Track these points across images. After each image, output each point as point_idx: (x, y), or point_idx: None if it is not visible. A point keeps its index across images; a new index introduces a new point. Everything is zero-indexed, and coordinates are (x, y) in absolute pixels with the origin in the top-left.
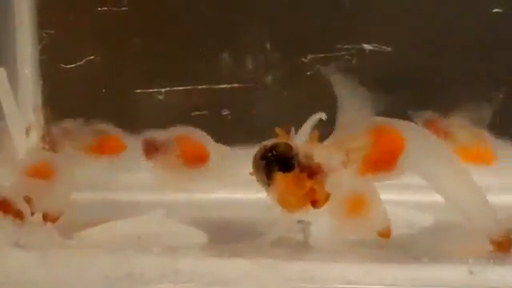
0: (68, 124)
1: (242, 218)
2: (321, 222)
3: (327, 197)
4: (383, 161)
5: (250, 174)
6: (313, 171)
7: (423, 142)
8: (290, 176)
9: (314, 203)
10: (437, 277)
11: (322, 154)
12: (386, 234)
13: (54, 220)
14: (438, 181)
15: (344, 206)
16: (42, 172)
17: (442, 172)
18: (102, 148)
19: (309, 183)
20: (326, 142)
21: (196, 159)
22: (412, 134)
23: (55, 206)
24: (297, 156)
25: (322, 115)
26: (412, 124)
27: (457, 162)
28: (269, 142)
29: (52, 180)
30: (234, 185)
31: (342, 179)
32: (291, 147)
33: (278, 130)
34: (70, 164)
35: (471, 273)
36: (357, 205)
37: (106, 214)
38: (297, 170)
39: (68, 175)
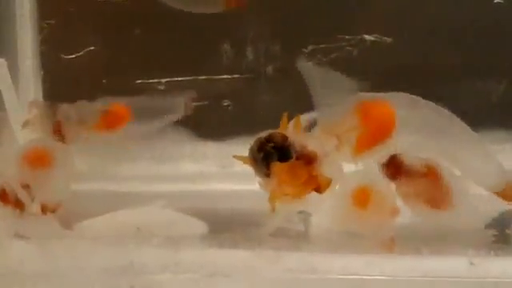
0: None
1: (243, 209)
2: (321, 212)
3: (329, 182)
4: (377, 134)
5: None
6: (309, 159)
7: (413, 106)
8: (287, 165)
9: (318, 189)
10: (437, 268)
11: (314, 142)
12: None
13: (52, 210)
14: (440, 141)
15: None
16: (40, 160)
17: (443, 132)
18: (108, 123)
19: (307, 171)
20: (314, 132)
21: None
22: (399, 102)
23: (54, 195)
24: (293, 145)
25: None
26: (396, 93)
27: (456, 120)
28: (263, 134)
29: (50, 168)
30: (234, 175)
31: (338, 163)
32: (286, 137)
33: (284, 116)
34: (69, 152)
35: (472, 264)
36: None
37: (107, 205)
38: (293, 159)
39: (67, 163)
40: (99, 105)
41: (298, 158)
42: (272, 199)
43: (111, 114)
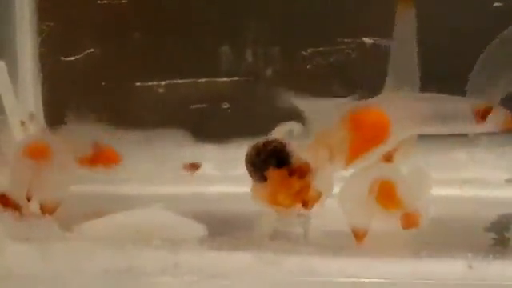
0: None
1: (242, 211)
2: (320, 215)
3: (318, 196)
4: (370, 142)
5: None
6: (303, 170)
7: (403, 105)
8: (284, 173)
9: (305, 204)
10: (436, 271)
11: (307, 154)
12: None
13: (51, 211)
14: None
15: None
16: (38, 154)
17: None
18: (97, 159)
19: (299, 183)
20: (307, 144)
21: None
22: (388, 104)
23: (53, 191)
24: (291, 152)
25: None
26: (382, 95)
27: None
28: (262, 140)
29: (49, 162)
30: (233, 178)
31: (329, 176)
32: (285, 144)
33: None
34: (67, 149)
35: (470, 267)
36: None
37: (106, 207)
38: (288, 168)
39: (65, 158)
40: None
41: (294, 168)
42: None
43: (103, 153)
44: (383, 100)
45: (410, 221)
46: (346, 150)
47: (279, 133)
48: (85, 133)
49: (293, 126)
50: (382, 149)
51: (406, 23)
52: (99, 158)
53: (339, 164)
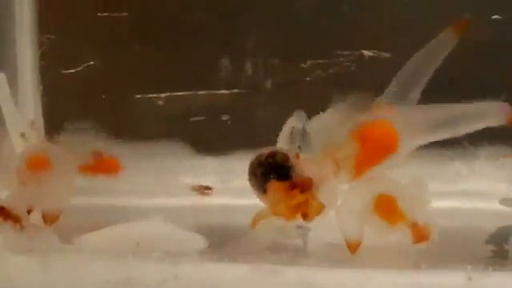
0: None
1: (242, 224)
2: (320, 227)
3: (320, 209)
4: (377, 156)
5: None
6: (305, 184)
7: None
8: (283, 185)
9: (305, 216)
10: (436, 283)
11: (312, 168)
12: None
13: (53, 221)
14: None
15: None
16: (39, 164)
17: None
18: (97, 168)
19: (300, 195)
20: (312, 157)
21: None
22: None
23: (54, 201)
24: (293, 166)
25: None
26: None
27: None
28: (265, 150)
29: (50, 171)
30: (233, 190)
31: (334, 190)
32: (288, 157)
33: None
34: (67, 159)
35: (470, 279)
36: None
37: (106, 219)
38: (291, 181)
39: (66, 170)
40: (92, 147)
41: (295, 181)
42: (257, 217)
43: (103, 162)
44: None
45: (420, 235)
46: (354, 163)
47: (285, 135)
48: (85, 142)
49: (296, 122)
50: (391, 161)
51: (444, 47)
52: (100, 166)
53: (346, 177)
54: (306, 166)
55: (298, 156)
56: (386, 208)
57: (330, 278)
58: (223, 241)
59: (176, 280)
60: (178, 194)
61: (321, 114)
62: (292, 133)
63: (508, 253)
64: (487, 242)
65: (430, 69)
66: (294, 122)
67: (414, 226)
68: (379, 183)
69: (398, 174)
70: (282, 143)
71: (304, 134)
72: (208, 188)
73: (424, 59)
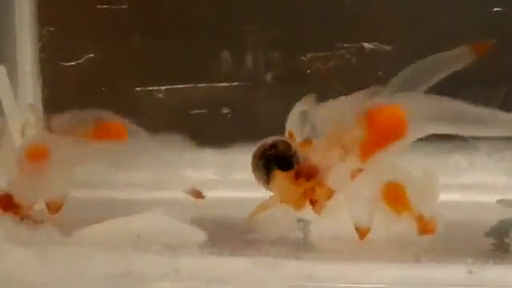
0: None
1: (242, 217)
2: (321, 220)
3: (329, 195)
4: (385, 139)
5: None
6: (310, 172)
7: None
8: (287, 175)
9: (314, 203)
10: (436, 276)
11: (318, 154)
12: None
13: (57, 209)
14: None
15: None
16: (39, 154)
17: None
18: (101, 134)
19: (306, 183)
20: (319, 141)
21: None
22: (405, 101)
23: (56, 188)
24: (296, 155)
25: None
26: (399, 94)
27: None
28: (268, 140)
29: (50, 161)
30: (233, 183)
31: (343, 173)
32: (290, 146)
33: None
34: (67, 147)
35: (471, 272)
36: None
37: (106, 212)
38: (295, 169)
39: (66, 159)
40: (93, 115)
41: (299, 169)
42: (263, 206)
43: (105, 126)
44: (400, 97)
45: (426, 227)
46: (361, 147)
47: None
48: (85, 114)
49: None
50: (399, 145)
51: (458, 62)
52: (103, 132)
53: (354, 161)
54: (311, 152)
55: (310, 142)
56: (394, 196)
57: (330, 271)
58: (223, 234)
59: (176, 273)
60: (178, 187)
61: (328, 101)
62: (302, 116)
63: (509, 246)
64: (488, 235)
65: (436, 77)
66: (302, 105)
67: (420, 219)
68: (390, 171)
69: (409, 165)
70: (291, 127)
71: (311, 119)
72: (201, 196)
73: (435, 65)
